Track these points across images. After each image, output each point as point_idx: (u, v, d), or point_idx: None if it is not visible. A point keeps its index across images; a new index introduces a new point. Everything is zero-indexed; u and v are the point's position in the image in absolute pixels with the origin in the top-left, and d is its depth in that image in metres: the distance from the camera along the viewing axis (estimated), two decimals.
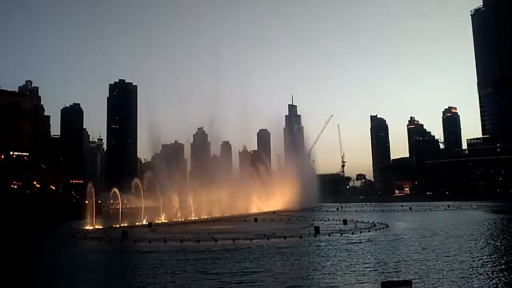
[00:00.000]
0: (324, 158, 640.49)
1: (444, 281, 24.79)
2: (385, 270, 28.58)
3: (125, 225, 71.00)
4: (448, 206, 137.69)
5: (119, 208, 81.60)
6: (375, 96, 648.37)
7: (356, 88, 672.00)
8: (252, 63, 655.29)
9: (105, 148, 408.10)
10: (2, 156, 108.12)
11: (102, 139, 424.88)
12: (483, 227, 62.83)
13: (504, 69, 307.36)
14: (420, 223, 73.30)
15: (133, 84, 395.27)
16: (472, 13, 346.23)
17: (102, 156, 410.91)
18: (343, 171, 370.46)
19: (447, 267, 29.25)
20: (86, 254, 41.38)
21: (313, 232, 54.02)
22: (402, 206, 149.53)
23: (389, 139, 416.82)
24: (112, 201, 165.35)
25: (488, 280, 25.11)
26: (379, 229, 59.21)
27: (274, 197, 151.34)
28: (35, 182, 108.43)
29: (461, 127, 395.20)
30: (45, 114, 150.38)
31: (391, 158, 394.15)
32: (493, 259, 32.80)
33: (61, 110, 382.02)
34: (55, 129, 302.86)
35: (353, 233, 53.35)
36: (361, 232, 54.68)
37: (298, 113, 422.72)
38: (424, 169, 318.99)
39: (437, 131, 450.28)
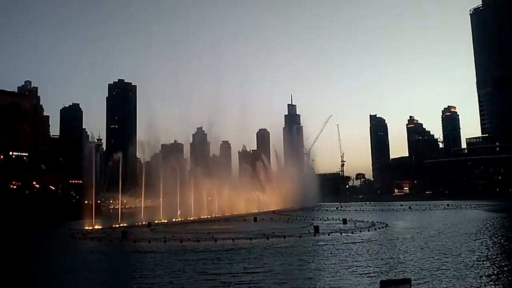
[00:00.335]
0: (324, 158, 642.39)
1: (443, 279, 24.79)
2: (384, 269, 28.59)
3: (125, 225, 70.94)
4: (448, 205, 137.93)
5: (118, 208, 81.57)
6: (375, 96, 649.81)
7: (355, 87, 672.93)
8: (252, 63, 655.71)
9: (105, 148, 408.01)
10: (2, 156, 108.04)
11: (101, 139, 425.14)
12: (483, 226, 62.84)
13: (504, 68, 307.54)
14: (420, 222, 73.37)
15: (133, 84, 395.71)
16: (471, 12, 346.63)
17: (102, 156, 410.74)
18: (343, 171, 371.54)
19: (447, 266, 29.25)
20: (85, 254, 41.33)
21: (313, 231, 54.02)
22: (401, 205, 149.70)
23: (389, 139, 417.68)
24: (111, 201, 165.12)
25: (488, 279, 25.11)
26: (379, 228, 59.28)
27: (273, 197, 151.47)
28: (34, 182, 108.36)
29: (461, 127, 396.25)
30: (44, 114, 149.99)
31: (391, 157, 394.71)
32: (493, 258, 32.82)
33: (61, 110, 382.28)
34: (55, 129, 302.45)
35: (352, 233, 53.40)
36: (360, 232, 54.75)
37: (297, 113, 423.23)
38: (424, 168, 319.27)
39: (436, 130, 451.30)
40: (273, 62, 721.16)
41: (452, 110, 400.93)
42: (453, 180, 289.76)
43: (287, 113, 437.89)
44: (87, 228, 66.00)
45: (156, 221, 79.04)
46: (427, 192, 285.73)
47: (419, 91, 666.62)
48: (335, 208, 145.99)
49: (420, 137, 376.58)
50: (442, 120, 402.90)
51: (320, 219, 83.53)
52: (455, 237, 47.98)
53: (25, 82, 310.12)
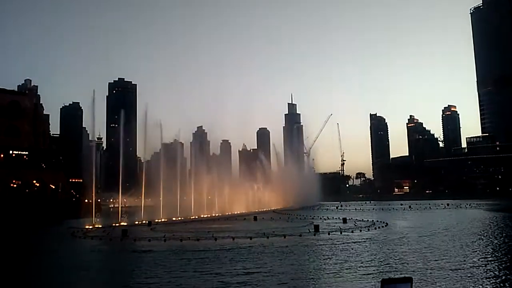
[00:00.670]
0: (324, 157, 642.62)
1: (444, 278, 24.76)
2: (385, 268, 28.55)
3: (125, 224, 70.97)
4: (448, 204, 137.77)
5: (118, 207, 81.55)
6: (375, 95, 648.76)
7: (355, 86, 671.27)
8: (252, 62, 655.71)
9: (105, 147, 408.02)
10: (2, 155, 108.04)
11: (101, 138, 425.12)
12: (483, 225, 62.83)
13: (504, 67, 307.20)
14: (420, 222, 73.37)
15: (133, 83, 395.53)
16: (471, 11, 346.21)
17: (102, 155, 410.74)
18: (343, 170, 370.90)
19: (448, 265, 29.19)
20: (85, 253, 41.34)
21: (313, 230, 53.98)
22: (401, 204, 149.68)
23: (389, 138, 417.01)
24: (111, 200, 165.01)
25: (488, 279, 25.07)
26: (379, 227, 59.22)
27: (273, 196, 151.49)
28: (34, 181, 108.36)
29: (461, 126, 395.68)
30: (44, 113, 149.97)
31: (391, 156, 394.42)
32: (494, 257, 32.79)
33: (61, 109, 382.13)
34: (55, 128, 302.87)
35: (352, 232, 53.36)
36: (360, 231, 54.70)
37: (297, 112, 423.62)
38: (424, 167, 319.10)
39: (436, 130, 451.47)
40: (274, 61, 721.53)
41: (452, 109, 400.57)
42: (453, 179, 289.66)
43: (287, 112, 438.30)
44: (87, 226, 65.97)
45: (156, 220, 79.11)
46: (427, 192, 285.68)
47: (419, 90, 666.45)
48: (335, 207, 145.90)
49: (420, 137, 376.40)
50: (442, 119, 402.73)
51: (320, 218, 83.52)
52: (455, 236, 47.91)
53: (25, 80, 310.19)
